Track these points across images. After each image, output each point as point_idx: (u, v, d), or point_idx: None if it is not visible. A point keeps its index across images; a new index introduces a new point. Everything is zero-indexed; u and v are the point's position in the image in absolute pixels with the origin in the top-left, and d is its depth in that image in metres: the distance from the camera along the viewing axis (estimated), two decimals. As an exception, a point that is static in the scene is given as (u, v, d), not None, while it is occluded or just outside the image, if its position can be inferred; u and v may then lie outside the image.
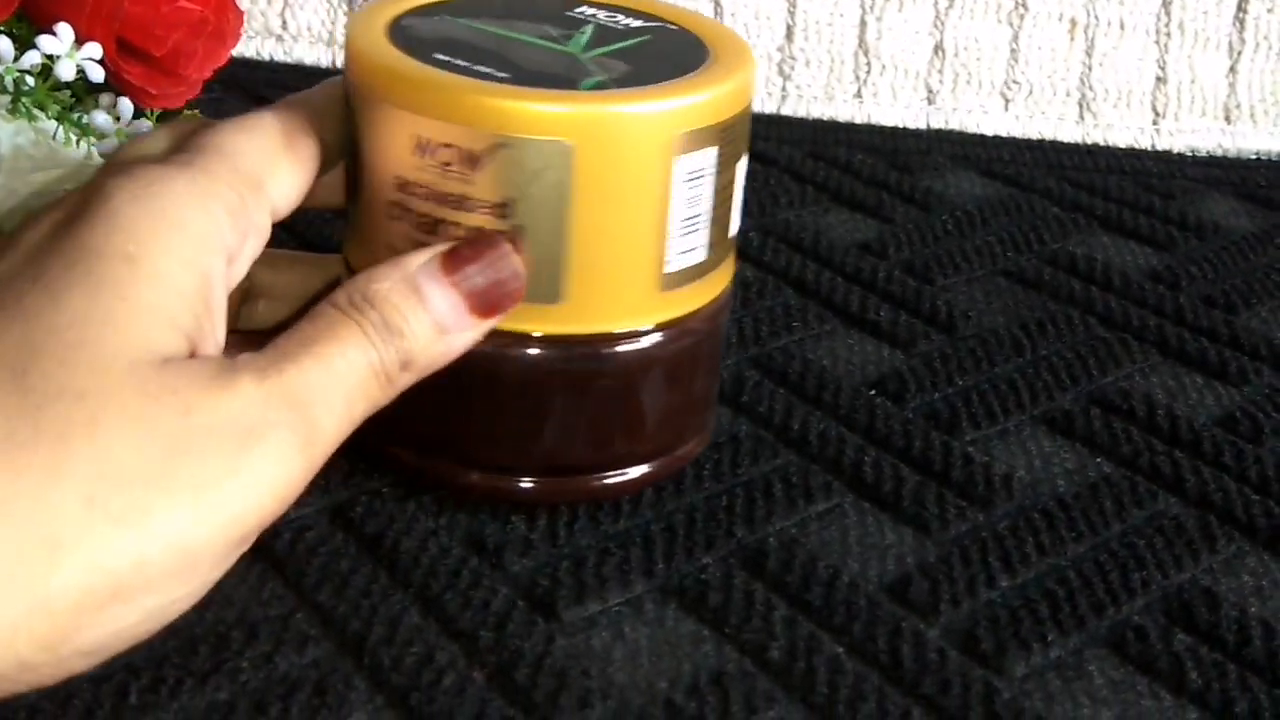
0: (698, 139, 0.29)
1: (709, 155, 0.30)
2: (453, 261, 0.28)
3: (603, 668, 0.28)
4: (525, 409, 0.31)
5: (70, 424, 0.24)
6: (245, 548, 0.26)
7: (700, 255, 0.31)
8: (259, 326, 0.34)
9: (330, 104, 0.31)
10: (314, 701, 0.26)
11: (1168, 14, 0.61)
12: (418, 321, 0.28)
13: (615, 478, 0.32)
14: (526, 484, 0.31)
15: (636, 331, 0.31)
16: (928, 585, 0.31)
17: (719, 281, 0.32)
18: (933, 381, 0.40)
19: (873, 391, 0.39)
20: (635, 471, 0.32)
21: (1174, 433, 0.38)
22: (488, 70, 0.29)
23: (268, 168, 0.29)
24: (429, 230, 0.29)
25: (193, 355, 0.26)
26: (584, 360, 0.30)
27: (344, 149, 0.31)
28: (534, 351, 0.30)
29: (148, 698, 0.26)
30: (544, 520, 0.32)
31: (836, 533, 0.33)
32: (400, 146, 0.29)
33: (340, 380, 0.27)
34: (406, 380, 0.28)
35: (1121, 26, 0.61)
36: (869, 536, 0.33)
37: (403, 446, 0.32)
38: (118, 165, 0.28)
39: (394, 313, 0.28)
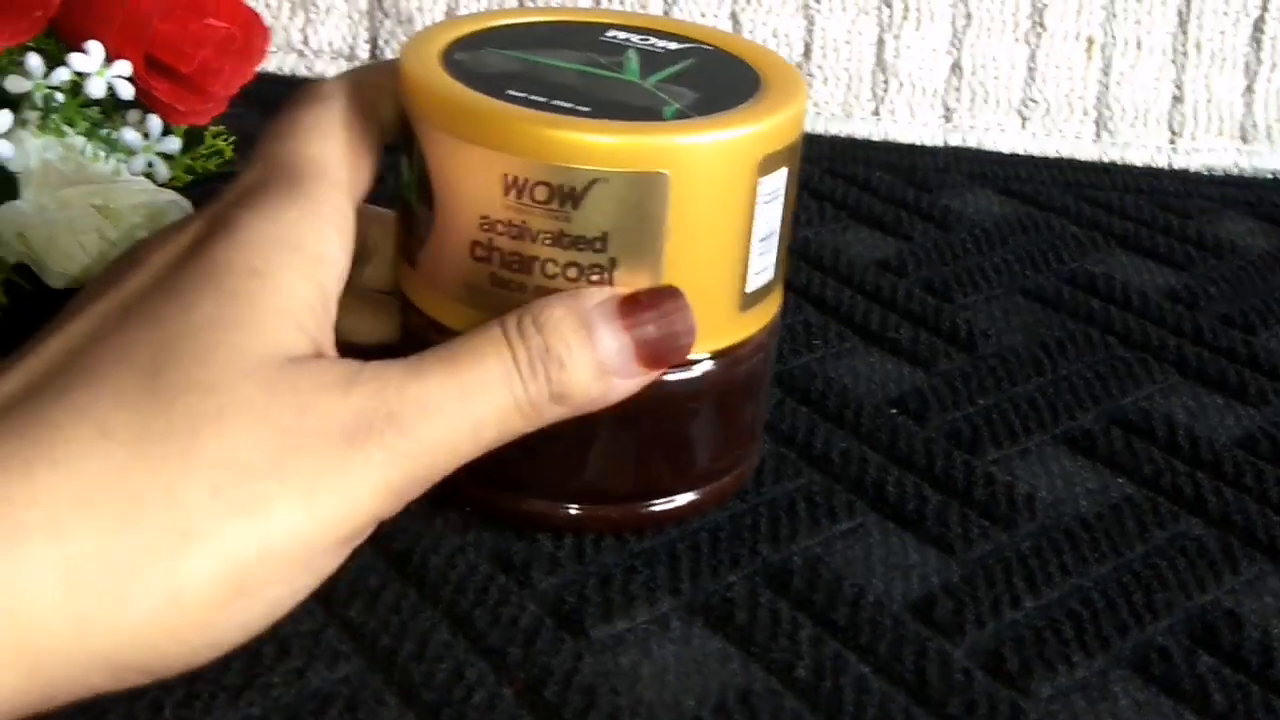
0: (775, 160, 0.30)
1: (782, 175, 0.30)
2: (629, 307, 0.28)
3: (631, 685, 0.28)
4: (616, 437, 0.30)
5: (199, 416, 0.25)
6: (356, 543, 0.27)
7: (770, 274, 0.31)
8: (372, 287, 0.34)
9: (384, 83, 0.31)
10: (346, 717, 0.26)
11: (1185, 34, 0.62)
12: (581, 356, 0.28)
13: (663, 504, 0.32)
14: (574, 511, 0.31)
15: (723, 351, 0.31)
16: (952, 605, 0.31)
17: (778, 299, 0.33)
18: (954, 400, 0.40)
19: (894, 410, 0.39)
20: (682, 499, 0.32)
21: (1195, 453, 0.38)
22: (568, 105, 0.29)
23: (352, 171, 0.30)
24: (518, 269, 0.29)
25: (319, 356, 0.27)
26: (681, 384, 0.30)
27: (412, 178, 0.30)
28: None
29: (181, 713, 0.26)
30: (570, 538, 0.32)
31: (860, 552, 0.33)
32: (487, 185, 0.28)
33: (470, 402, 0.27)
34: (556, 414, 0.28)
35: (1139, 46, 0.62)
36: (893, 556, 0.33)
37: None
38: (233, 194, 0.30)
39: (559, 342, 0.28)
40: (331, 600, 0.29)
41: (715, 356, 0.31)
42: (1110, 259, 0.51)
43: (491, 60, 0.31)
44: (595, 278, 0.29)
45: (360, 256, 0.34)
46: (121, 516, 0.24)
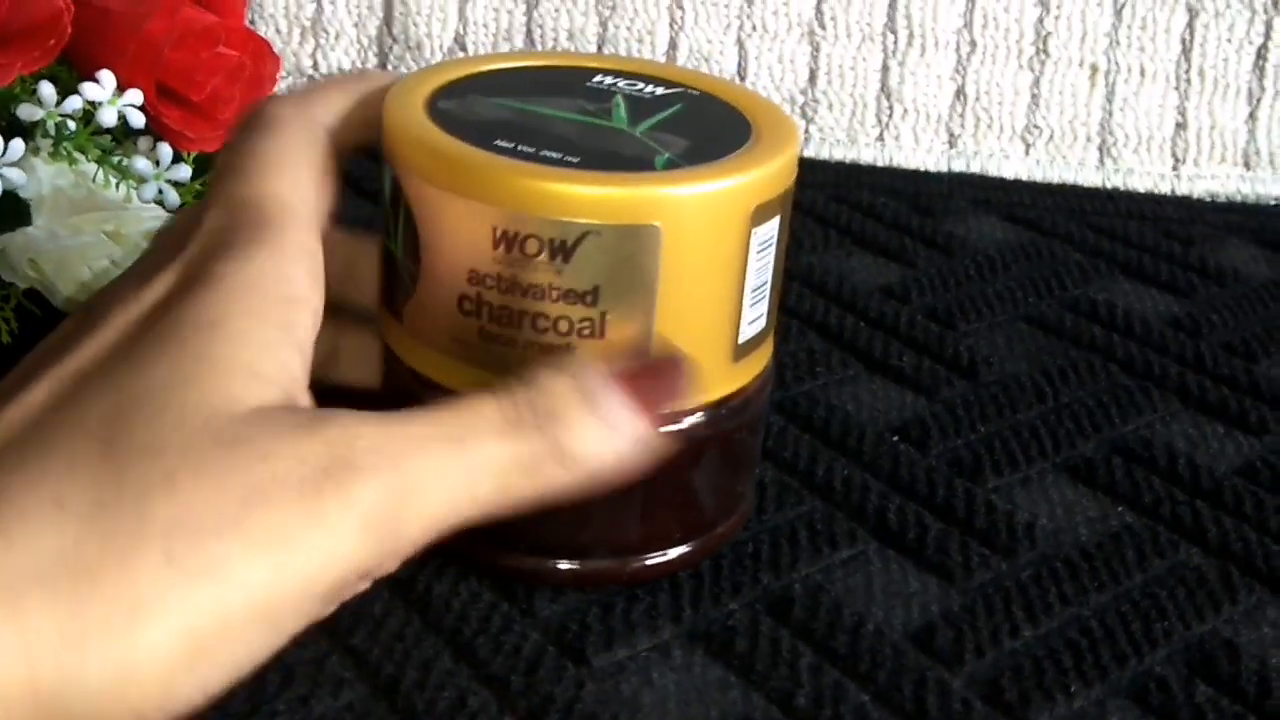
0: (768, 210, 0.29)
1: (774, 225, 0.30)
2: (625, 371, 0.27)
3: (632, 714, 0.28)
4: (615, 492, 0.29)
5: (150, 482, 0.24)
6: (343, 598, 0.25)
7: (762, 323, 0.31)
8: (355, 302, 0.33)
9: (337, 102, 0.30)
10: (349, 745, 0.27)
11: (1188, 61, 0.62)
12: (581, 413, 0.26)
13: (656, 558, 0.32)
14: (565, 566, 0.31)
15: (716, 402, 0.30)
16: (952, 634, 0.31)
17: (769, 348, 0.32)
18: (955, 428, 0.40)
19: (895, 437, 0.39)
20: (674, 552, 0.32)
21: (1195, 482, 0.38)
22: (556, 155, 0.28)
23: (315, 201, 0.29)
24: (508, 323, 0.28)
25: (286, 405, 0.26)
26: (673, 436, 0.29)
27: (395, 229, 0.30)
28: None
29: (187, 739, 0.26)
30: (573, 565, 0.32)
31: (861, 580, 0.33)
32: (476, 239, 0.28)
33: (463, 448, 0.25)
34: (560, 477, 0.26)
35: (1142, 73, 0.62)
36: (893, 584, 0.33)
37: None
38: (200, 244, 0.28)
39: (551, 399, 0.26)
40: (335, 628, 0.30)
41: (708, 408, 0.30)
42: (1113, 286, 0.51)
43: (478, 108, 0.30)
44: (586, 331, 0.28)
45: (345, 285, 0.33)
46: (75, 590, 0.23)
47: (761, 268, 0.30)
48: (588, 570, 0.31)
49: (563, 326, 0.28)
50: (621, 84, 0.33)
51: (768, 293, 0.31)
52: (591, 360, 0.27)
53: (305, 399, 0.27)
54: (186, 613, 0.23)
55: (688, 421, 0.30)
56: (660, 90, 0.33)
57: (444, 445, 0.25)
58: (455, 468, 0.25)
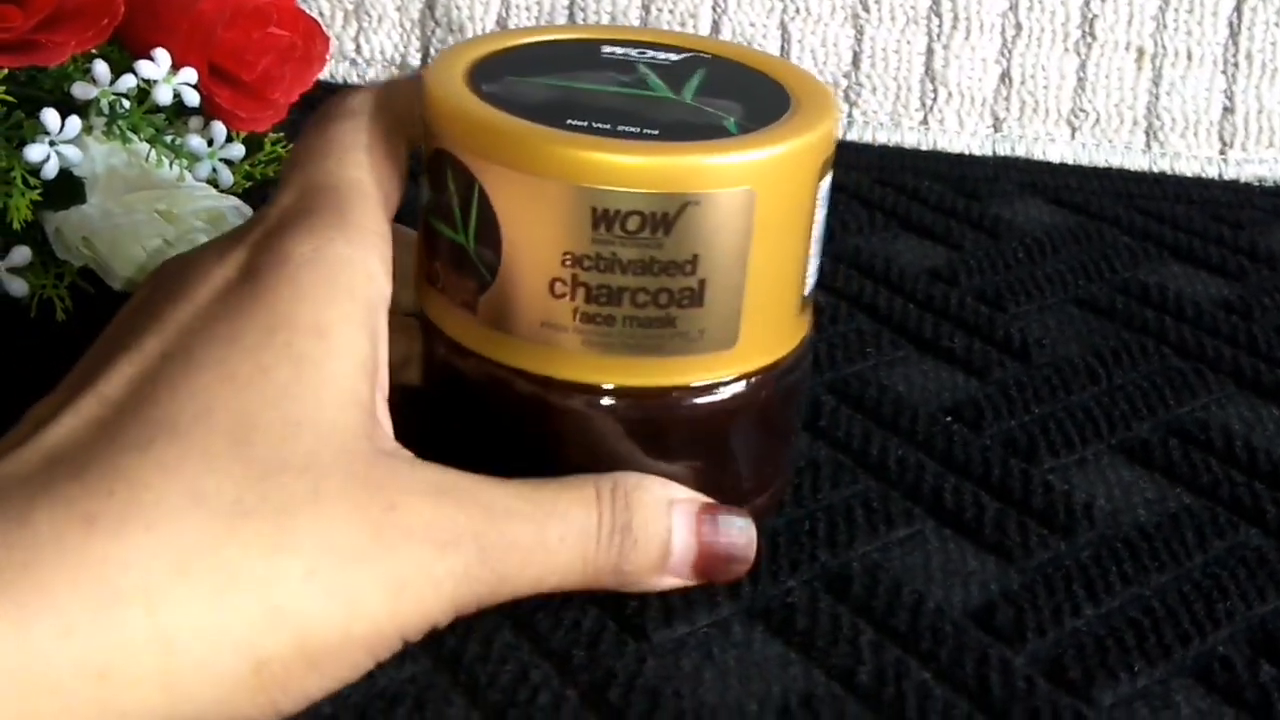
0: (828, 164, 0.30)
1: (830, 178, 0.31)
2: (708, 514, 0.29)
3: (693, 688, 0.28)
4: (713, 451, 0.31)
5: (294, 496, 0.25)
6: (416, 638, 0.27)
7: (815, 277, 0.32)
8: (400, 310, 0.33)
9: (412, 96, 0.31)
10: (414, 716, 0.27)
11: (1235, 45, 0.62)
12: (655, 543, 0.29)
13: None
14: None
15: (786, 359, 0.31)
16: (1013, 613, 0.31)
17: (811, 310, 0.33)
18: (1009, 409, 0.40)
19: (949, 418, 0.39)
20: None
21: (1253, 464, 0.38)
22: (635, 129, 0.28)
23: (389, 191, 0.30)
24: (606, 301, 0.28)
25: (389, 452, 0.27)
26: (752, 394, 0.30)
27: (463, 219, 0.29)
28: (714, 398, 0.30)
29: (253, 710, 0.26)
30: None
31: (919, 559, 0.33)
32: (572, 221, 0.28)
33: (548, 553, 0.28)
34: (605, 584, 0.29)
35: (1189, 57, 0.61)
36: (951, 563, 0.33)
37: None
38: (274, 220, 0.29)
39: (642, 525, 0.28)
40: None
41: (769, 369, 0.31)
42: (1163, 269, 0.51)
43: (521, 89, 0.30)
44: (686, 301, 0.28)
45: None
46: (216, 589, 0.24)
47: (820, 221, 0.31)
48: None
49: (663, 299, 0.28)
50: (633, 53, 0.33)
51: (821, 245, 0.31)
52: (689, 503, 0.29)
53: (384, 400, 0.28)
54: (320, 627, 0.25)
55: (778, 374, 0.31)
56: (674, 56, 0.33)
57: (538, 550, 0.27)
58: (538, 567, 0.28)
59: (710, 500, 0.30)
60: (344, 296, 0.27)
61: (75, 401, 0.26)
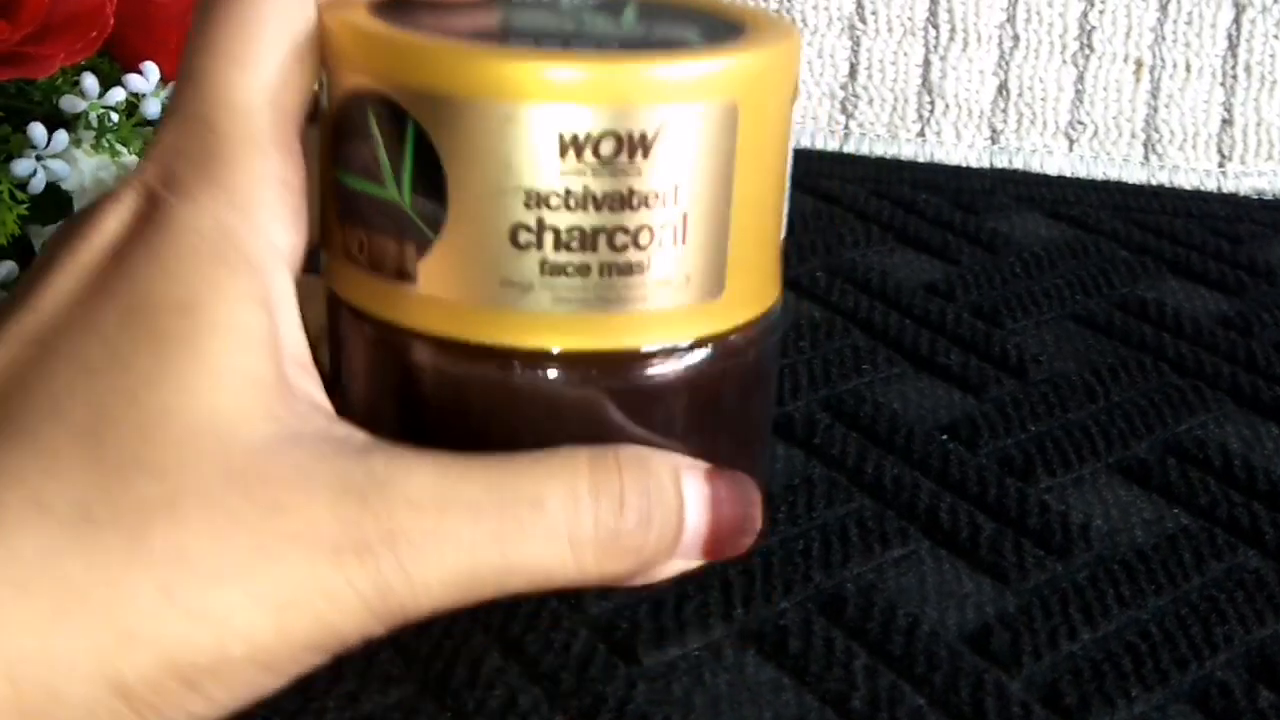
0: (797, 88, 0.27)
1: (797, 107, 0.28)
2: (715, 479, 0.26)
3: (684, 714, 0.28)
4: (699, 422, 0.27)
5: (148, 503, 0.22)
6: (331, 654, 0.24)
7: (786, 223, 0.28)
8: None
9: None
10: (400, 743, 0.26)
11: (1234, 57, 0.61)
12: (668, 519, 0.24)
13: None
14: None
15: (771, 312, 0.27)
16: (1008, 636, 0.31)
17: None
18: (1005, 427, 0.39)
19: (944, 436, 0.39)
20: None
21: (1251, 484, 0.38)
22: (591, 44, 0.25)
23: (292, 114, 0.25)
24: (580, 246, 0.24)
25: (276, 409, 0.23)
26: (740, 352, 0.26)
27: (391, 166, 0.24)
28: (700, 357, 0.26)
29: (236, 736, 0.26)
30: (622, 563, 0.32)
31: (914, 579, 0.33)
32: (535, 151, 0.23)
33: (507, 546, 0.23)
34: (606, 570, 0.24)
35: (1187, 69, 0.61)
36: (946, 584, 0.33)
37: None
38: (156, 167, 0.25)
39: (655, 494, 0.24)
40: (384, 624, 0.29)
41: (755, 323, 0.27)
42: (1161, 284, 0.51)
43: (443, 22, 0.25)
44: (668, 239, 0.24)
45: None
46: (59, 609, 0.21)
47: (790, 155, 0.27)
48: None
49: (644, 238, 0.24)
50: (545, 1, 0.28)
51: (790, 186, 0.28)
52: (698, 474, 0.25)
53: (311, 384, 0.24)
54: (182, 650, 0.22)
55: (759, 331, 0.27)
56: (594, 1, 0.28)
57: (489, 544, 0.23)
58: (491, 562, 0.23)
59: (710, 465, 0.26)
60: (216, 265, 0.23)
61: None
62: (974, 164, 0.61)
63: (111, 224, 0.24)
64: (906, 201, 0.56)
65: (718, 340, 0.26)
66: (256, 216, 0.24)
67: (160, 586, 0.22)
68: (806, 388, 0.41)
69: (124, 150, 0.40)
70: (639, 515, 0.24)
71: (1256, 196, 0.61)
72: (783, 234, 0.28)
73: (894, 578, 0.33)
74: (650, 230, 0.24)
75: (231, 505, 0.22)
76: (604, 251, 0.24)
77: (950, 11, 0.61)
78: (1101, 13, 0.61)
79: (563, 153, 0.23)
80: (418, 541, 0.23)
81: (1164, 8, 0.61)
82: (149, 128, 0.41)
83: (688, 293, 0.25)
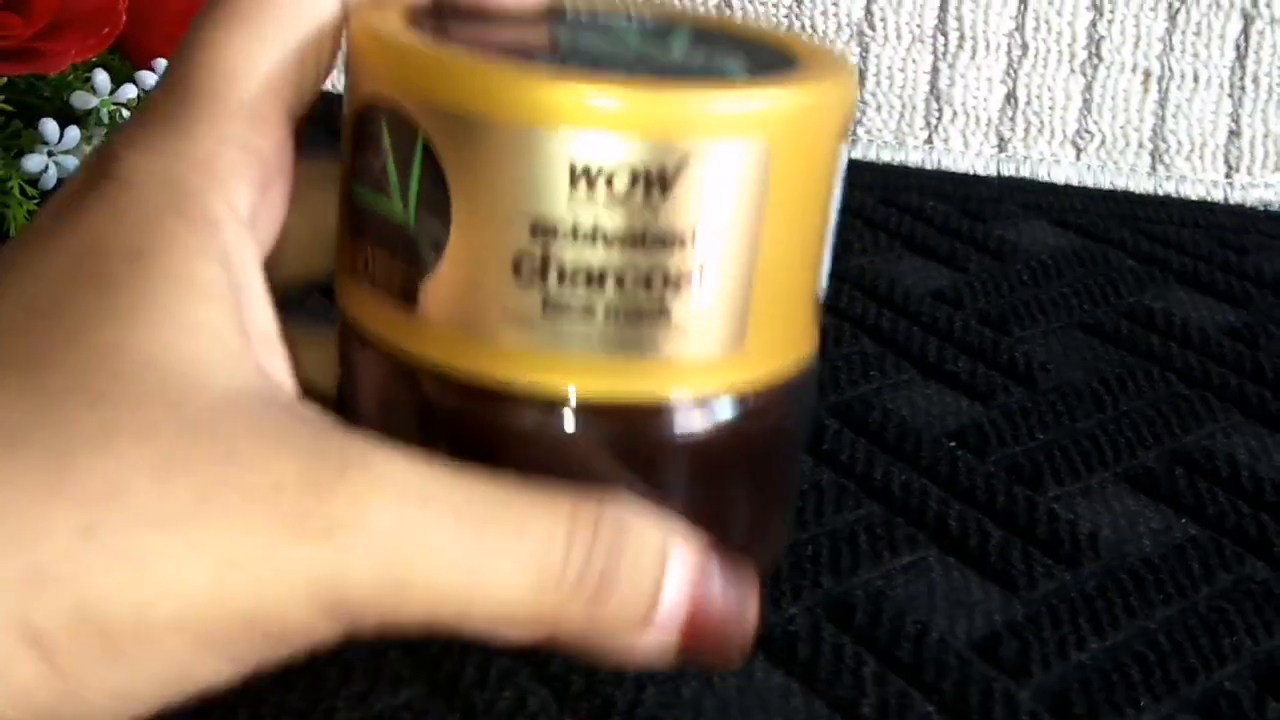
0: (848, 127, 0.24)
1: (847, 148, 0.25)
2: (707, 561, 0.22)
3: (693, 719, 0.28)
4: (705, 485, 0.25)
5: (79, 428, 0.19)
6: (284, 650, 0.21)
7: (827, 275, 0.26)
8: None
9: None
10: (409, 744, 0.26)
11: (1242, 67, 0.61)
12: (638, 587, 0.22)
13: None
14: None
15: (794, 371, 0.25)
16: (1017, 645, 0.31)
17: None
18: (1014, 435, 0.39)
19: (953, 443, 0.39)
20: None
21: (1258, 494, 0.38)
22: (621, 70, 0.23)
23: (278, 82, 0.23)
24: (585, 284, 0.22)
25: (229, 365, 0.21)
26: (760, 411, 0.24)
27: (400, 185, 0.23)
28: (713, 412, 0.24)
29: (245, 735, 0.26)
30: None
31: (923, 587, 0.33)
32: (544, 179, 0.22)
33: (477, 559, 0.21)
34: (562, 624, 0.21)
35: (1195, 79, 0.61)
36: (955, 592, 0.33)
37: None
38: (130, 125, 0.24)
39: (627, 556, 0.22)
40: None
41: (779, 379, 0.25)
42: (1168, 294, 0.51)
43: (476, 34, 0.24)
44: (682, 286, 0.23)
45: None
46: None
47: (838, 197, 0.25)
48: None
49: (656, 282, 0.22)
50: (601, 17, 0.26)
51: (834, 232, 0.25)
52: (690, 548, 0.22)
53: (279, 366, 0.23)
54: (97, 598, 0.19)
55: (781, 392, 0.25)
56: (650, 23, 0.26)
57: (462, 555, 0.21)
58: (463, 583, 0.21)
59: (712, 548, 0.23)
60: (172, 216, 0.22)
61: None
62: (981, 172, 0.61)
63: (75, 182, 0.23)
64: (914, 209, 0.56)
65: (735, 396, 0.24)
66: (218, 175, 0.22)
67: (79, 526, 0.19)
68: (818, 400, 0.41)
69: (135, 147, 0.40)
70: (605, 572, 0.22)
71: (1263, 208, 0.61)
72: (822, 285, 0.25)
73: (903, 585, 0.33)
74: (664, 274, 0.22)
75: (177, 446, 0.20)
76: (611, 292, 0.22)
77: (959, 19, 0.61)
78: (1110, 22, 0.61)
79: (573, 181, 0.22)
80: (392, 530, 0.20)
81: (1173, 18, 0.61)
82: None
83: (703, 344, 0.23)
